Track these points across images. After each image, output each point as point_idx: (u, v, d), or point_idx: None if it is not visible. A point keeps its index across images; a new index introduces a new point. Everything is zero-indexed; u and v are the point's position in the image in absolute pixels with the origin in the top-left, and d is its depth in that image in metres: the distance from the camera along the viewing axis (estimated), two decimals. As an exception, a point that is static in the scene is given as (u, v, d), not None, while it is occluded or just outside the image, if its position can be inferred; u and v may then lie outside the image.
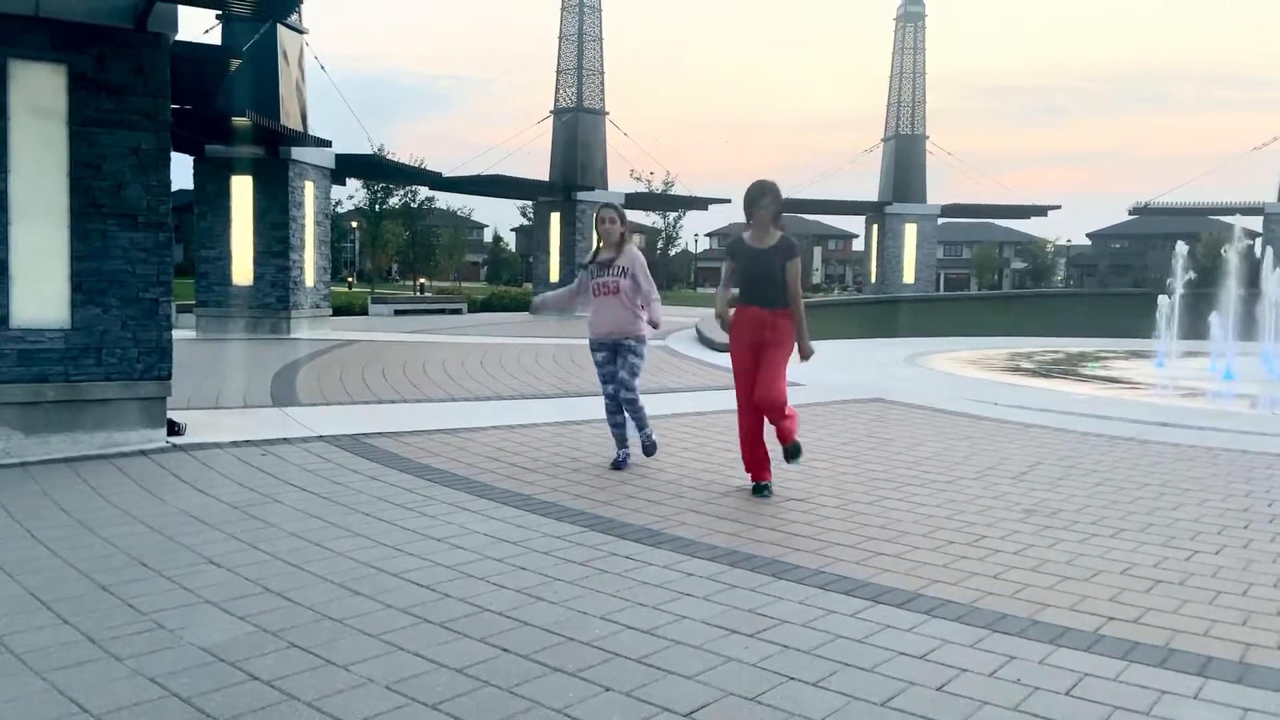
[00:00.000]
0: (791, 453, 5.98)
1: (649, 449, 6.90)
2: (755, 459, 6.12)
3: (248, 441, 7.09)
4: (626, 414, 6.82)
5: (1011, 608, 4.00)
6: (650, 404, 7.92)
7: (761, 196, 6.05)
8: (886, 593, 4.16)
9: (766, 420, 6.08)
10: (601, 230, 6.84)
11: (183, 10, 7.14)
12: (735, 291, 6.21)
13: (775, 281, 6.02)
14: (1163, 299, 19.33)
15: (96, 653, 3.34)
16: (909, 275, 31.30)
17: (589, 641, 3.55)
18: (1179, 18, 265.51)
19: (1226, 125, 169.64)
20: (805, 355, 6.22)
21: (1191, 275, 19.16)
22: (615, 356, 6.83)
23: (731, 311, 6.23)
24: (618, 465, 6.70)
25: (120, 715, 2.88)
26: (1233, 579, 4.45)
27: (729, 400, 9.14)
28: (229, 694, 3.04)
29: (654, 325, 6.89)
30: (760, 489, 6.00)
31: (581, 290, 7.03)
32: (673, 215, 68.19)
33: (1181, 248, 19.77)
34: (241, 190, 17.71)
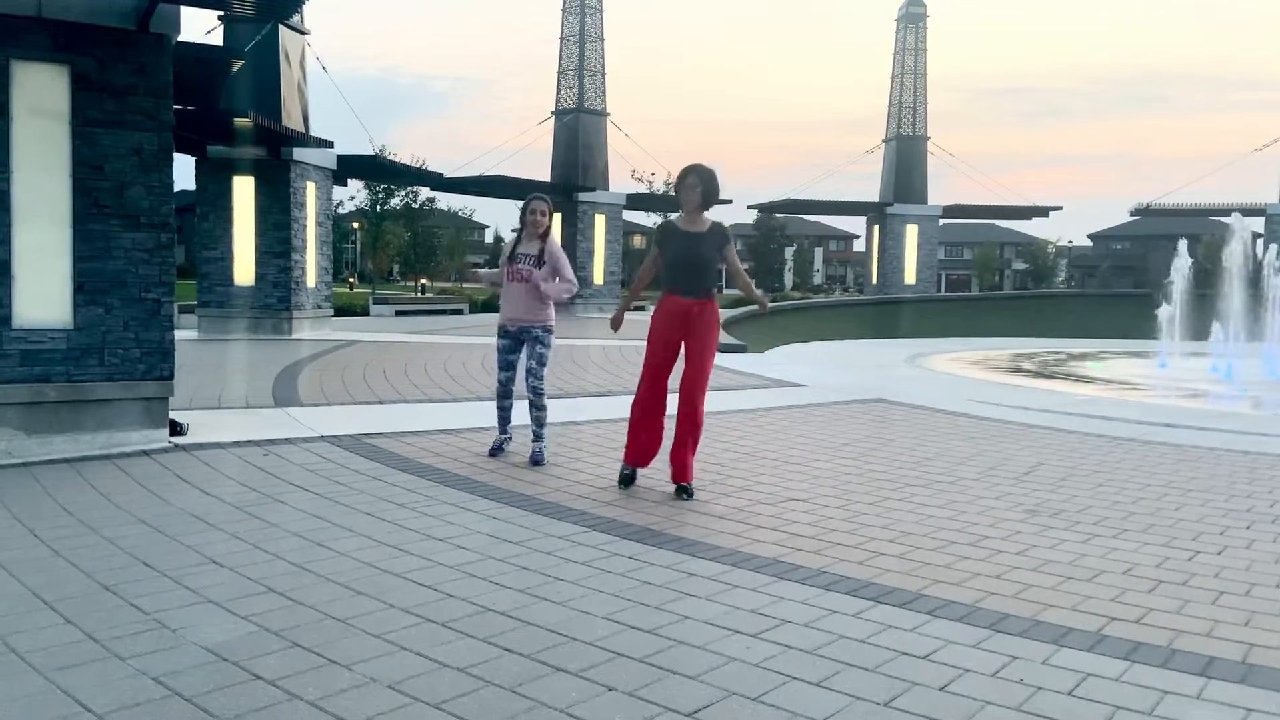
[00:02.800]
0: (683, 492, 5.80)
1: (537, 460, 6.67)
2: (641, 447, 6.01)
3: (250, 441, 7.09)
4: (530, 409, 6.78)
5: (1014, 608, 4.00)
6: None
7: (687, 176, 5.89)
8: (889, 593, 4.16)
9: (678, 426, 5.90)
10: (529, 220, 6.89)
11: (185, 11, 7.15)
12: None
13: (706, 268, 5.88)
14: (1164, 308, 19.30)
15: (99, 652, 3.34)
16: (910, 276, 31.28)
17: (591, 641, 3.55)
18: (1181, 20, 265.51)
19: (1228, 127, 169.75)
20: (763, 306, 6.57)
21: (1192, 276, 19.17)
22: (519, 344, 6.91)
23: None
24: (495, 451, 6.88)
25: (123, 715, 2.89)
26: (1235, 579, 4.45)
27: (725, 401, 9.16)
28: (232, 693, 3.04)
29: (546, 294, 6.76)
30: (682, 490, 5.82)
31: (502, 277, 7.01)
32: (673, 216, 68.19)
33: (1182, 246, 19.77)
34: (243, 191, 17.71)
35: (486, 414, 8.75)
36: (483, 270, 7.81)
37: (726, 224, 6.22)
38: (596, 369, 12.34)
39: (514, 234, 7.20)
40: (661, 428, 6.07)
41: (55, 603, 3.81)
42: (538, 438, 6.79)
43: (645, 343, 6.06)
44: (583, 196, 26.96)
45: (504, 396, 7.04)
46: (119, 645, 3.40)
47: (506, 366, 6.98)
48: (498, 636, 3.57)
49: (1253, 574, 4.54)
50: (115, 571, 4.21)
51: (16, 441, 6.59)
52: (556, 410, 9.16)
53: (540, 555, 4.58)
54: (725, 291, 42.37)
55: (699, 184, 5.86)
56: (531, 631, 3.63)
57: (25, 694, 3.01)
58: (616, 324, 6.56)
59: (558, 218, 27.27)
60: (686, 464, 5.91)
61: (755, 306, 6.76)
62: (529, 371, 6.84)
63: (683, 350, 5.97)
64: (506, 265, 6.91)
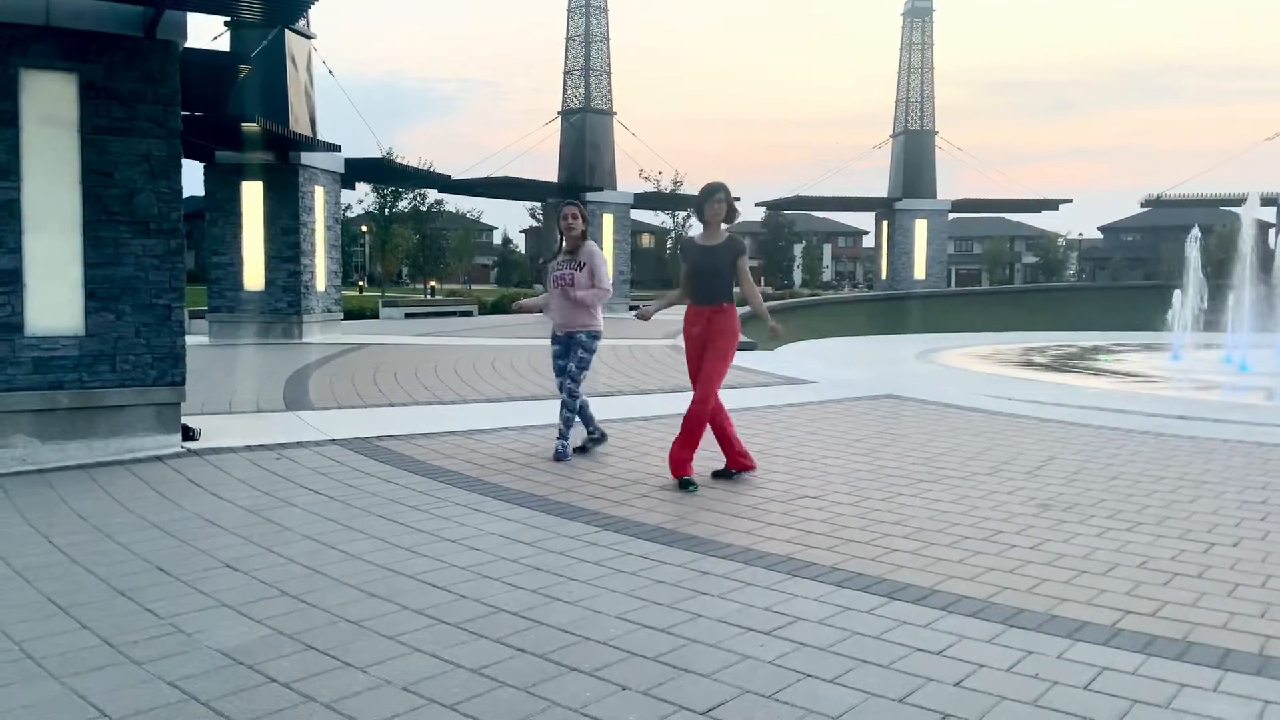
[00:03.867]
0: (684, 485, 6.02)
1: (559, 456, 6.80)
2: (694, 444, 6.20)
3: (262, 446, 7.11)
4: (560, 407, 6.94)
5: (1028, 602, 3.98)
6: (655, 404, 7.94)
7: (714, 193, 6.27)
8: (903, 589, 4.15)
9: (686, 419, 6.20)
10: (563, 226, 7.00)
11: (191, 17, 7.17)
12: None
13: (719, 277, 6.25)
14: (1177, 295, 19.21)
15: (115, 657, 3.36)
16: (920, 271, 31.21)
17: (605, 641, 3.55)
18: (1190, 9, 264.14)
19: (1239, 117, 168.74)
20: (774, 330, 6.59)
21: (1204, 266, 19.08)
22: (569, 350, 6.99)
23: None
24: (581, 449, 7.05)
25: (140, 719, 2.90)
26: (1251, 571, 4.43)
27: (736, 398, 9.16)
28: (247, 696, 3.05)
29: (579, 301, 6.90)
30: (686, 484, 6.02)
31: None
32: (681, 215, 68.10)
33: (1195, 233, 19.66)
34: (252, 196, 17.75)
35: (497, 416, 8.77)
36: (529, 301, 7.77)
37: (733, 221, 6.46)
38: (606, 369, 12.33)
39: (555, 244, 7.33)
40: (719, 414, 6.39)
41: (70, 608, 3.83)
42: (562, 435, 6.89)
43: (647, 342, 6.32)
44: (590, 196, 26.97)
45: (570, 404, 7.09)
46: (134, 650, 3.41)
47: (561, 372, 7.05)
48: (511, 637, 3.57)
49: (1269, 566, 4.52)
50: (130, 577, 4.23)
51: (31, 448, 6.63)
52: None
53: (553, 556, 4.59)
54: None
55: (716, 205, 6.27)
56: (544, 632, 3.63)
57: (42, 699, 3.03)
58: (645, 316, 6.90)
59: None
60: (681, 460, 6.13)
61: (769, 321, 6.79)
62: (566, 373, 6.94)
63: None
64: (550, 275, 7.04)
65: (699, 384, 6.23)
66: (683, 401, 9.59)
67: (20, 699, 3.03)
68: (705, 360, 6.21)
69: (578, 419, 7.07)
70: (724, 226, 6.35)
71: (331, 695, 3.07)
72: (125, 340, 6.94)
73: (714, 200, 6.26)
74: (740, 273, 6.29)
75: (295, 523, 5.12)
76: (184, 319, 7.27)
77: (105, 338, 6.89)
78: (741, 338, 6.77)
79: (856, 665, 3.34)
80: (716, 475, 6.31)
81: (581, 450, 7.08)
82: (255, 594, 4.01)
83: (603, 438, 7.28)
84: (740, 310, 6.60)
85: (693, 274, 6.29)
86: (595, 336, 7.02)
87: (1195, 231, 19.94)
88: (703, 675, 3.25)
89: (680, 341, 6.79)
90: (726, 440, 6.33)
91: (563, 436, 6.90)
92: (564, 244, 7.05)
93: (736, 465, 6.34)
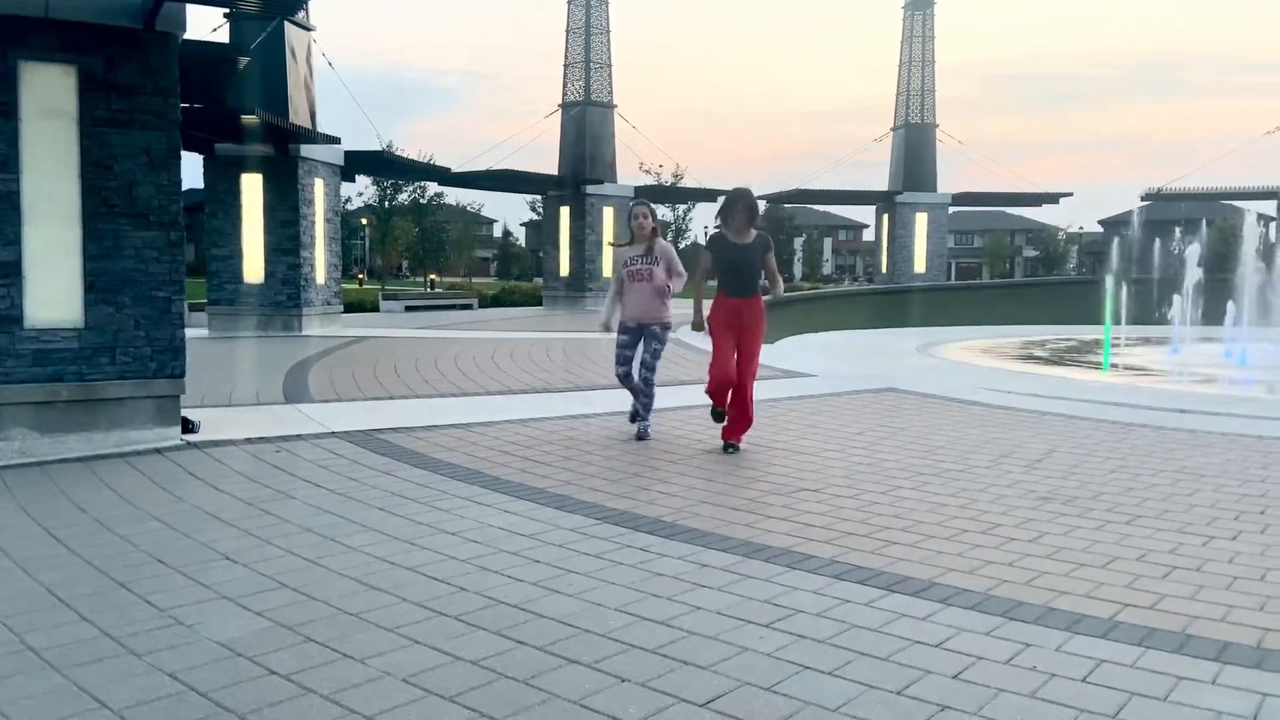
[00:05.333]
0: (729, 447, 6.98)
1: (642, 436, 7.38)
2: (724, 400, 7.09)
3: (261, 438, 7.12)
4: (639, 395, 7.47)
5: (1027, 595, 3.99)
6: (660, 396, 7.95)
7: (736, 203, 7.07)
8: (901, 581, 4.15)
9: (731, 412, 7.06)
10: (635, 225, 7.49)
11: (191, 9, 7.15)
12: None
13: (752, 270, 7.07)
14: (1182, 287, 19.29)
15: (115, 649, 3.36)
16: (920, 265, 31.16)
17: (604, 633, 3.55)
18: (1193, 2, 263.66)
19: (1241, 110, 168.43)
20: (777, 292, 7.47)
21: (1204, 262, 19.14)
22: (638, 340, 7.46)
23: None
24: (640, 435, 7.41)
25: (139, 711, 2.90)
26: (1250, 564, 4.43)
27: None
28: (247, 688, 3.06)
29: (660, 293, 7.49)
30: (729, 447, 6.96)
31: (618, 286, 7.61)
32: (682, 208, 68.07)
33: (1177, 233, 19.78)
34: (251, 188, 17.73)
35: (496, 409, 8.78)
36: (604, 321, 8.08)
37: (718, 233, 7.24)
38: (607, 362, 12.32)
39: (618, 244, 7.85)
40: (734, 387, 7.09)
41: (71, 600, 3.84)
42: (644, 418, 7.47)
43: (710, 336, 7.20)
44: (590, 189, 26.92)
45: (626, 386, 7.63)
46: (134, 642, 3.42)
47: (624, 361, 7.49)
48: (510, 629, 3.58)
49: (1267, 559, 4.52)
50: (130, 569, 4.23)
51: (30, 441, 6.63)
52: (567, 402, 9.20)
53: (552, 548, 4.59)
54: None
55: (746, 210, 7.07)
56: (544, 624, 3.64)
57: (42, 691, 3.03)
58: (700, 326, 7.30)
59: (566, 210, 27.38)
60: (734, 434, 7.09)
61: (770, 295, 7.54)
62: (643, 364, 7.45)
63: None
64: (625, 271, 7.48)
65: (742, 366, 7.02)
66: (678, 394, 9.64)
67: (21, 690, 3.04)
68: (743, 344, 7.03)
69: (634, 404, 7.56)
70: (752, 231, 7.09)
71: (331, 687, 3.07)
72: (125, 333, 6.94)
73: (734, 213, 7.05)
74: (767, 266, 7.12)
75: (295, 515, 5.13)
76: (184, 311, 7.26)
77: (105, 330, 6.89)
78: None
79: (855, 657, 3.35)
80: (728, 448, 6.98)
81: (632, 420, 7.60)
82: (255, 586, 4.02)
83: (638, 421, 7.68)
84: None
85: (727, 269, 7.04)
86: (668, 328, 7.57)
87: (1178, 232, 20.12)
88: (702, 667, 3.26)
89: (679, 334, 7.26)
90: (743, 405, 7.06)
91: (643, 419, 7.44)
92: (635, 241, 7.50)
93: (737, 436, 7.07)
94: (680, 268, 7.51)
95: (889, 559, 4.48)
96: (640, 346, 7.47)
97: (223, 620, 3.64)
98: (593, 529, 4.92)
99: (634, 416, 7.59)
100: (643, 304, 7.41)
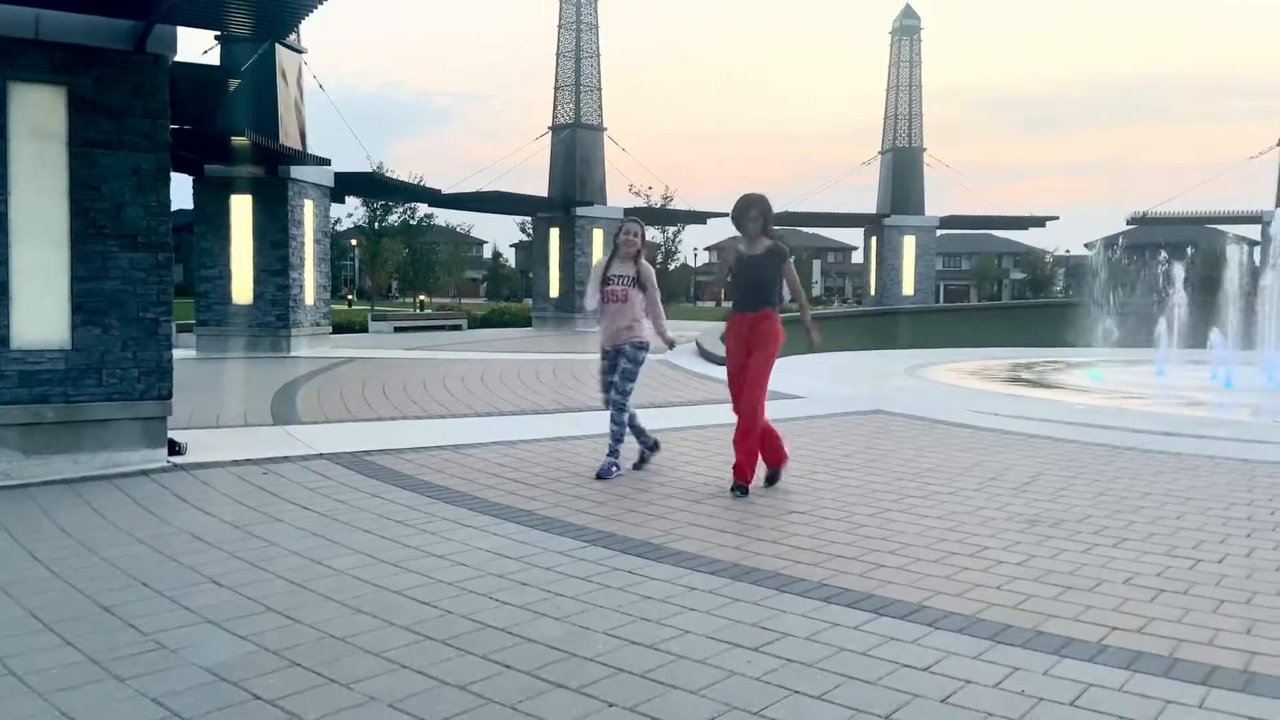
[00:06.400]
0: (770, 479, 6.54)
1: (601, 475, 6.75)
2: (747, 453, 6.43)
3: (249, 460, 7.09)
4: (609, 422, 6.92)
5: (1015, 619, 3.99)
6: (651, 418, 7.94)
7: (748, 209, 6.55)
8: (890, 605, 4.15)
9: (743, 427, 6.41)
10: (622, 241, 7.03)
11: (182, 31, 7.18)
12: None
13: (761, 286, 6.51)
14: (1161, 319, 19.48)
15: (99, 673, 3.33)
16: (908, 287, 31.32)
17: (592, 657, 3.54)
18: (1176, 28, 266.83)
19: (1225, 135, 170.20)
20: (813, 337, 6.73)
21: (1189, 285, 19.33)
22: (616, 362, 7.03)
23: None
24: (636, 465, 7.06)
25: (123, 736, 2.88)
26: (1236, 588, 4.45)
27: (725, 414, 9.12)
28: (231, 714, 3.03)
29: (667, 344, 7.23)
30: (736, 489, 6.29)
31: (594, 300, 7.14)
32: (671, 230, 68.27)
33: (1162, 256, 20.01)
34: (241, 209, 17.74)
35: (485, 430, 8.76)
36: (600, 366, 7.37)
37: (730, 241, 6.58)
38: (595, 383, 12.32)
39: (605, 257, 7.28)
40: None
41: (54, 624, 3.80)
42: (612, 452, 6.86)
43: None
44: (580, 211, 27.01)
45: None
46: (118, 666, 3.39)
47: (607, 388, 7.08)
48: (498, 653, 3.56)
49: (1254, 582, 4.54)
50: (114, 592, 4.20)
51: (15, 463, 6.59)
52: (557, 424, 9.18)
53: (540, 571, 4.58)
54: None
55: (760, 216, 6.55)
56: (531, 648, 3.62)
57: (24, 716, 3.00)
58: (671, 344, 7.13)
59: (556, 233, 27.44)
60: (741, 466, 6.36)
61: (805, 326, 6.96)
62: (613, 385, 6.94)
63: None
64: (600, 289, 7.02)
65: (746, 389, 6.44)
66: (708, 414, 9.65)
67: (3, 715, 3.01)
68: (749, 368, 6.46)
69: (628, 434, 7.01)
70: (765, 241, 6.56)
71: (317, 712, 3.05)
72: (112, 354, 6.92)
73: (747, 220, 6.55)
74: (787, 276, 6.57)
75: (282, 538, 5.10)
76: (171, 332, 7.25)
77: (92, 351, 6.86)
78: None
79: (843, 681, 3.34)
80: (770, 481, 6.58)
81: (641, 463, 7.12)
82: (240, 610, 3.99)
83: (656, 446, 7.25)
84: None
85: (736, 283, 6.60)
86: (641, 348, 6.99)
87: (1163, 254, 20.35)
88: (690, 691, 3.25)
89: (666, 355, 6.92)
90: (770, 437, 6.53)
91: (612, 453, 6.85)
92: (616, 259, 7.04)
93: (776, 461, 6.59)
94: (656, 295, 7.05)
95: (877, 582, 4.47)
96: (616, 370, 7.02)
97: (208, 644, 3.61)
98: (581, 551, 4.91)
99: (641, 457, 7.16)
100: (615, 325, 6.98)
